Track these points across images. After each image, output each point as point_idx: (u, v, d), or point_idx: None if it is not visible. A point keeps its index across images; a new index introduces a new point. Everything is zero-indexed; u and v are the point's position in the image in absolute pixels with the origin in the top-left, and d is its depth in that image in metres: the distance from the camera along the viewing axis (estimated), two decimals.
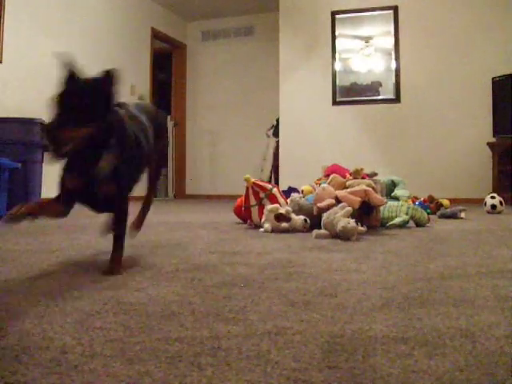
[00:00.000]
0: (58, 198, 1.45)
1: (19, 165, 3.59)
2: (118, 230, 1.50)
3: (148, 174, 1.91)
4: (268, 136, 7.58)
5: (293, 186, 4.36)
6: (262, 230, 2.60)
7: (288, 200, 2.86)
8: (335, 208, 2.37)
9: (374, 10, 6.58)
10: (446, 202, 4.00)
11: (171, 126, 8.39)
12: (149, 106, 1.95)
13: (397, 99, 6.53)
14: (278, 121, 7.22)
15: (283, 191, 3.23)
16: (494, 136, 6.07)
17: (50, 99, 1.35)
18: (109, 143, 1.41)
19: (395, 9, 6.51)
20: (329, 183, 2.75)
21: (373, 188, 2.61)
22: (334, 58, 6.74)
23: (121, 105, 1.56)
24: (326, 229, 2.34)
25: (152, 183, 2.01)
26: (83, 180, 1.41)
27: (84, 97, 1.32)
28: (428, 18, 6.43)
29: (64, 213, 1.49)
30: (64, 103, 1.31)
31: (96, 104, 1.34)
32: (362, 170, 2.90)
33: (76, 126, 1.29)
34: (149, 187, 2.02)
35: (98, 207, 1.55)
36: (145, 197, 1.99)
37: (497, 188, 5.63)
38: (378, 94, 6.63)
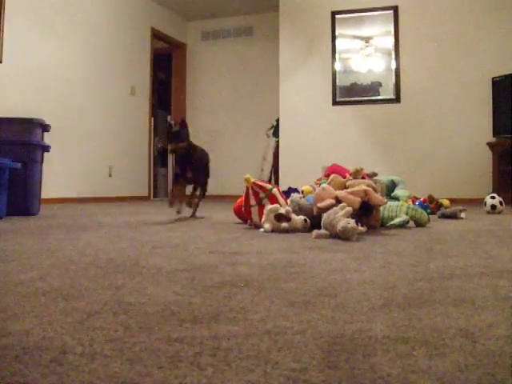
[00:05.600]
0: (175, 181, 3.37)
1: (19, 165, 3.59)
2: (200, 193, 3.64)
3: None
4: (268, 136, 7.58)
5: (293, 186, 4.36)
6: (262, 230, 2.60)
7: (288, 200, 2.86)
8: (335, 208, 2.37)
9: (374, 10, 6.59)
10: (446, 202, 4.01)
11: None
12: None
13: (397, 99, 6.54)
14: (277, 121, 7.22)
15: (283, 191, 3.23)
16: (493, 136, 6.07)
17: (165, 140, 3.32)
18: (193, 156, 3.42)
19: (395, 9, 6.52)
20: (329, 183, 2.75)
21: (373, 188, 2.61)
22: (334, 57, 6.75)
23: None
24: (325, 229, 2.34)
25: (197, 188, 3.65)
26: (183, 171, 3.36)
27: (175, 132, 3.34)
28: (428, 18, 6.43)
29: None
30: (170, 137, 3.33)
31: (180, 134, 3.33)
32: (361, 170, 2.90)
33: (177, 142, 3.28)
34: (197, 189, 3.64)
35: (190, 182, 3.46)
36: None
37: (497, 188, 5.64)
38: (378, 94, 6.63)
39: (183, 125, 3.37)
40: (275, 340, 0.81)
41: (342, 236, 2.21)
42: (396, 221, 2.77)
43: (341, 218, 2.26)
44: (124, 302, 1.07)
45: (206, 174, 3.78)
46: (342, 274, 1.39)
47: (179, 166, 3.43)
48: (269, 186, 2.84)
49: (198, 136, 8.77)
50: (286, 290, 1.19)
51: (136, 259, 1.67)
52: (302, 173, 6.56)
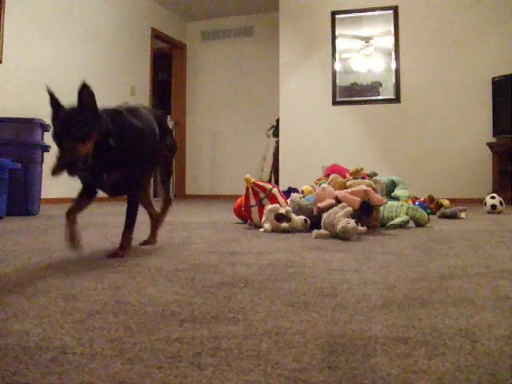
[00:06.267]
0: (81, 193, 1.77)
1: (19, 165, 3.59)
2: (129, 213, 1.73)
3: (159, 173, 2.12)
4: (268, 136, 7.58)
5: (293, 186, 4.36)
6: (261, 230, 2.60)
7: (288, 200, 2.86)
8: (335, 208, 2.37)
9: (374, 10, 6.58)
10: (446, 202, 4.00)
11: (171, 126, 8.39)
12: (149, 108, 2.13)
13: (397, 99, 6.53)
14: (278, 121, 7.22)
15: (283, 191, 3.24)
16: (493, 136, 6.07)
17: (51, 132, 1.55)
18: (109, 143, 1.59)
19: (395, 9, 6.51)
20: (329, 183, 2.75)
21: (373, 188, 2.61)
22: (333, 57, 6.75)
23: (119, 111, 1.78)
24: (326, 229, 2.34)
25: (164, 183, 2.16)
26: (96, 178, 1.70)
27: (74, 117, 1.49)
28: (428, 18, 6.43)
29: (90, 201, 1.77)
30: (62, 129, 1.48)
31: (86, 118, 1.50)
32: (361, 169, 2.90)
33: (80, 143, 1.45)
34: (163, 188, 2.18)
35: (112, 193, 1.80)
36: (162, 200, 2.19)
37: (497, 188, 5.63)
38: (378, 94, 6.63)
39: (85, 96, 1.53)
40: (275, 340, 0.81)
41: (342, 236, 2.21)
42: (396, 221, 2.77)
43: (341, 217, 2.26)
44: (124, 302, 1.07)
45: (168, 168, 2.15)
46: (342, 274, 1.39)
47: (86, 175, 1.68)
48: (269, 186, 2.84)
49: (198, 136, 8.78)
50: (285, 290, 1.19)
51: (136, 259, 1.67)
52: (301, 173, 6.56)
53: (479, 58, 6.22)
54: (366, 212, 2.57)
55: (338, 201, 2.49)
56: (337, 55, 6.74)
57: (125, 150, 1.65)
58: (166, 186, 2.18)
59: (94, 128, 1.51)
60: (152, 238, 2.09)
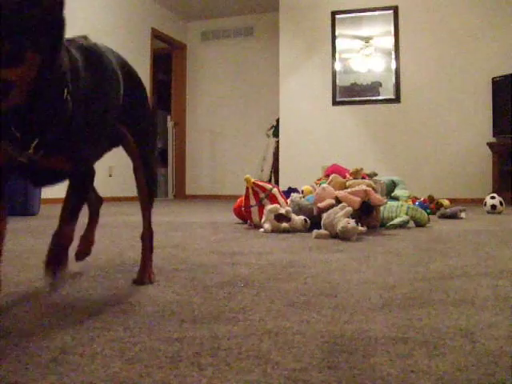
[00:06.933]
0: None
1: None
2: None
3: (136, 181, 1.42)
4: (268, 136, 7.58)
5: (293, 186, 4.35)
6: (262, 230, 2.60)
7: (288, 200, 2.86)
8: (335, 208, 2.37)
9: (374, 10, 6.58)
10: (446, 202, 4.00)
11: (171, 126, 8.38)
12: (110, 49, 1.33)
13: (397, 99, 6.53)
14: (278, 121, 7.22)
15: (283, 191, 3.24)
16: (493, 136, 6.07)
17: None
18: (62, 97, 0.91)
19: (395, 9, 6.51)
20: (329, 183, 2.75)
21: (373, 188, 2.61)
22: (333, 57, 6.75)
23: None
24: (326, 229, 2.34)
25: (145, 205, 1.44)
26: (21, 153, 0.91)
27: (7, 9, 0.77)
28: (428, 17, 6.43)
29: None
30: None
31: (39, 30, 0.82)
32: (361, 170, 2.90)
33: (8, 65, 0.78)
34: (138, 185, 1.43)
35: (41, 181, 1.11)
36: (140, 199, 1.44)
37: (497, 188, 5.63)
38: (378, 94, 6.62)
39: None
40: (275, 340, 0.81)
41: (342, 236, 2.21)
42: (396, 221, 2.77)
43: (341, 218, 2.26)
44: (124, 302, 1.07)
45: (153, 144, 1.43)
46: (342, 274, 1.39)
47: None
48: (269, 186, 2.84)
49: (198, 136, 8.78)
50: (286, 290, 1.19)
51: (136, 259, 1.67)
52: (301, 173, 6.56)
53: (479, 58, 6.22)
54: (366, 212, 2.57)
55: (338, 201, 2.49)
56: (337, 55, 6.74)
57: (86, 113, 1.00)
58: (147, 212, 1.43)
59: (35, 46, 0.81)
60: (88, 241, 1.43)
